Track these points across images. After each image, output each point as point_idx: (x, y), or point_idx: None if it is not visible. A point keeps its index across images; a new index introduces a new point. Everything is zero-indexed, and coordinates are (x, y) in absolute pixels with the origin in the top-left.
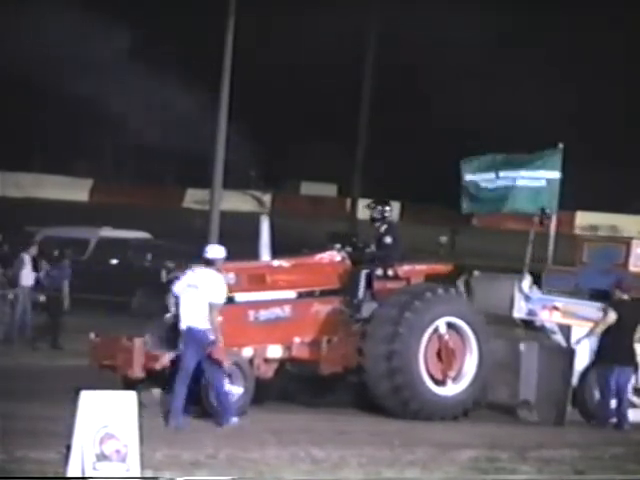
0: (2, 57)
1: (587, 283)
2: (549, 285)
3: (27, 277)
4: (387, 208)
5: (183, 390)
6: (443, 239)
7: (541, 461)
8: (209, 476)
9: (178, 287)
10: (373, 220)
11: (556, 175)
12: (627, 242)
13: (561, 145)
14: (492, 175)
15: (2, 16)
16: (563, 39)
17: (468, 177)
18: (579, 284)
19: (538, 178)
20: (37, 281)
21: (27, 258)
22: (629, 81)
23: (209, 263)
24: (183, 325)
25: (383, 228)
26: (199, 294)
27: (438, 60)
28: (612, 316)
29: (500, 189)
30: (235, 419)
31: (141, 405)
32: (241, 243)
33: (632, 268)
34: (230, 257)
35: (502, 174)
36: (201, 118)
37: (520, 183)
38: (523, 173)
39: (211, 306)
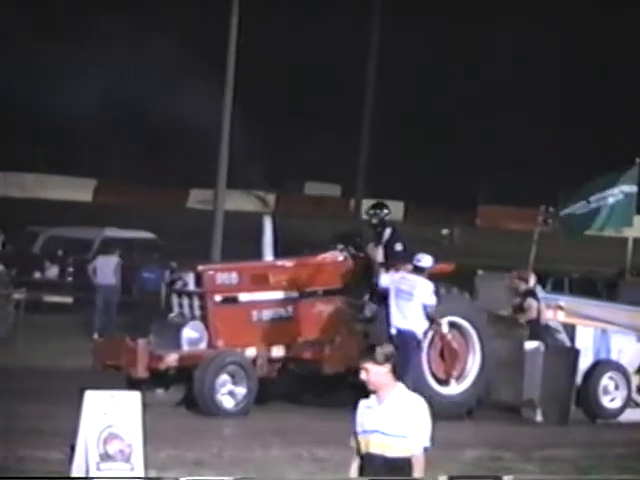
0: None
1: None
2: (625, 297)
3: (109, 277)
4: (385, 211)
5: None
6: (445, 231)
7: (545, 460)
8: (213, 476)
9: (385, 283)
10: (374, 226)
11: (633, 189)
12: None
13: (638, 160)
14: (584, 202)
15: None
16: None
17: (565, 211)
18: None
19: (616, 194)
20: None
21: (111, 261)
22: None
23: (419, 270)
24: (393, 328)
25: (387, 233)
26: (412, 299)
27: (440, 62)
28: (534, 304)
29: (591, 211)
30: None
31: (145, 405)
32: (244, 243)
33: None
34: (233, 257)
35: (592, 198)
36: (205, 118)
37: (608, 202)
38: (608, 192)
39: (425, 307)
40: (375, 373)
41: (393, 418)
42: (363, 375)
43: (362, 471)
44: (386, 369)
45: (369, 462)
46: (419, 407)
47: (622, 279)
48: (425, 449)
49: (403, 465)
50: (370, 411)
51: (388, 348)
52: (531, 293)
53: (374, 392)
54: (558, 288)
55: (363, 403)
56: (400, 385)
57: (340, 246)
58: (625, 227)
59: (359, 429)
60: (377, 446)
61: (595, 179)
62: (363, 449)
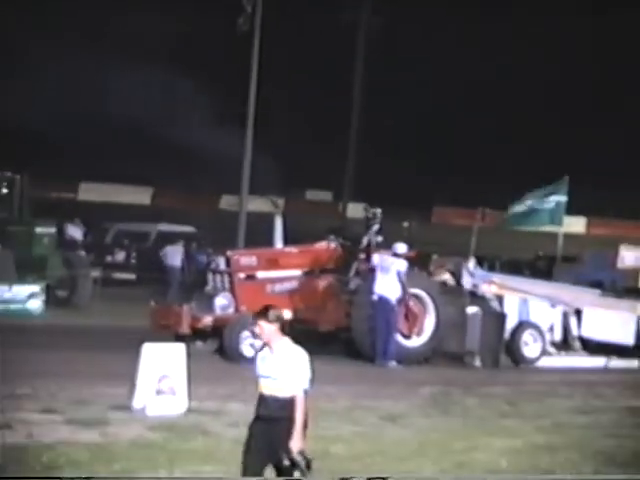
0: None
1: (586, 276)
2: (558, 277)
3: (176, 261)
4: (378, 211)
5: (380, 342)
6: (405, 224)
7: (483, 395)
8: (239, 406)
9: (375, 261)
10: (368, 219)
11: (563, 199)
12: (616, 249)
13: (567, 177)
14: (522, 205)
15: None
16: None
17: (510, 211)
18: (581, 276)
19: (551, 201)
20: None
21: (177, 249)
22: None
23: (396, 255)
24: (375, 295)
25: (376, 227)
26: (389, 272)
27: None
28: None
29: (529, 212)
30: (394, 363)
31: (188, 354)
32: (261, 235)
33: (619, 266)
34: (253, 245)
35: (528, 202)
36: (233, 144)
37: (540, 206)
38: (544, 200)
39: (399, 274)
40: (267, 329)
41: (280, 365)
42: (257, 330)
43: (258, 407)
44: (275, 327)
45: (263, 401)
46: (301, 357)
47: (555, 264)
48: (305, 391)
49: (289, 403)
50: (264, 360)
51: (278, 311)
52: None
53: (267, 344)
54: (492, 268)
55: (260, 354)
56: (286, 339)
57: (332, 237)
58: (557, 226)
59: (258, 374)
60: (268, 388)
61: (533, 190)
62: (259, 390)
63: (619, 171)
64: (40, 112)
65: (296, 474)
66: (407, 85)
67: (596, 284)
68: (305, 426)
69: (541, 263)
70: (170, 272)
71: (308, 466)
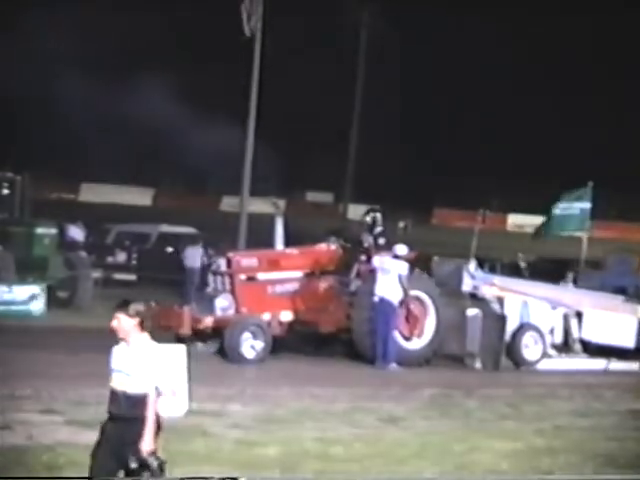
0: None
1: (610, 282)
2: (581, 283)
3: (195, 262)
4: (378, 215)
5: (380, 343)
6: (401, 224)
7: (483, 397)
8: (238, 407)
9: (375, 263)
10: (369, 223)
11: (587, 205)
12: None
13: (591, 183)
14: (556, 212)
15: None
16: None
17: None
18: (603, 282)
19: (576, 208)
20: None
21: (195, 250)
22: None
23: (396, 257)
24: (376, 297)
25: (378, 230)
26: (390, 274)
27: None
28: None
29: (560, 218)
30: (394, 365)
31: (189, 355)
32: (262, 236)
33: None
34: (254, 246)
35: (560, 210)
36: (234, 146)
37: (567, 213)
38: (568, 206)
39: (400, 277)
40: (125, 323)
41: (134, 360)
42: (115, 323)
43: (110, 404)
44: (135, 321)
45: (114, 396)
46: (157, 354)
47: (578, 268)
48: (157, 389)
49: (140, 400)
50: (119, 355)
51: (140, 306)
52: None
53: (123, 339)
54: (492, 270)
55: (116, 348)
56: (145, 335)
57: (332, 239)
58: (581, 232)
59: (111, 368)
60: (119, 384)
61: (559, 197)
62: (111, 385)
63: (620, 172)
64: (42, 112)
65: (147, 476)
66: (407, 85)
67: (619, 290)
68: (158, 427)
69: (530, 269)
70: (189, 274)
71: (161, 468)
